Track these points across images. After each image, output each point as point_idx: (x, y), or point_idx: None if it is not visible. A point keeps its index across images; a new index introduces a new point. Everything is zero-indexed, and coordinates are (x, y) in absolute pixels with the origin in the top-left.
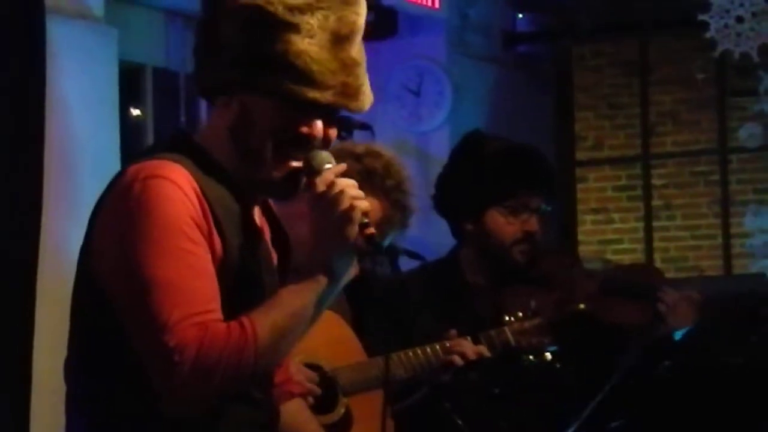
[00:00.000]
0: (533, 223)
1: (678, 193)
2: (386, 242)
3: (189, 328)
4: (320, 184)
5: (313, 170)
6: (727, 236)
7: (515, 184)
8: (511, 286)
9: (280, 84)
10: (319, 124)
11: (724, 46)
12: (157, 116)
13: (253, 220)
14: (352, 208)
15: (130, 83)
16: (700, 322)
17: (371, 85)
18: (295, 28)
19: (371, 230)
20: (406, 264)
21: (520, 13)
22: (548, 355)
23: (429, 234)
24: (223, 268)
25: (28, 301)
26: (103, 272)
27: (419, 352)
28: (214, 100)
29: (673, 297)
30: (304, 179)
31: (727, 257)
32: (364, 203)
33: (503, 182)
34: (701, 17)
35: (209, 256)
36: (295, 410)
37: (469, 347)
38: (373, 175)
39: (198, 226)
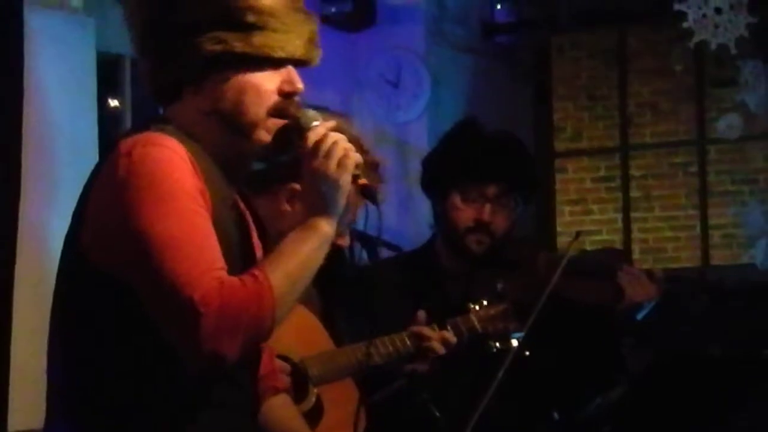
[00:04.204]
0: (486, 212)
1: (656, 184)
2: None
3: (209, 281)
4: (313, 137)
5: (302, 128)
6: (705, 227)
7: (472, 169)
8: (479, 272)
9: (255, 43)
10: (294, 74)
11: (701, 37)
12: (135, 107)
13: (236, 199)
14: (346, 156)
15: (107, 74)
16: (663, 299)
17: (349, 75)
18: None
19: (364, 180)
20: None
21: (499, 3)
22: (514, 342)
23: (407, 224)
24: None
25: (6, 290)
26: (103, 245)
27: (387, 340)
28: (174, 96)
29: (632, 271)
30: (296, 138)
31: (705, 248)
32: (356, 155)
33: (462, 165)
34: (678, 7)
35: (210, 219)
36: (281, 405)
37: (432, 334)
38: None
39: (198, 190)
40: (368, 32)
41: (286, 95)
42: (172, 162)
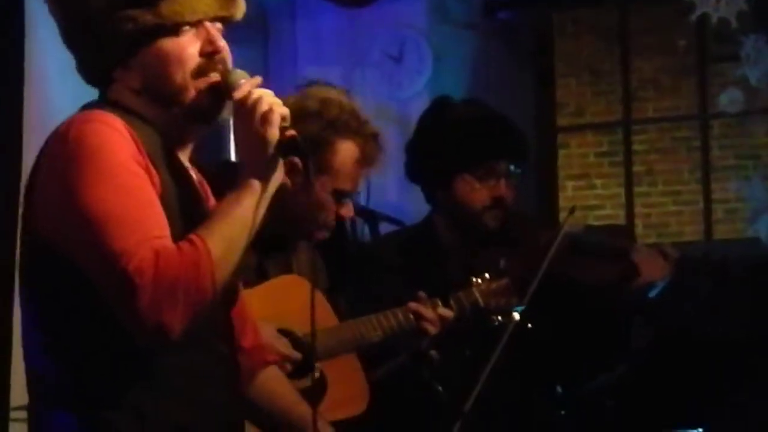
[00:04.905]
0: (502, 188)
1: (659, 159)
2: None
3: (144, 251)
4: (238, 95)
5: (230, 87)
6: (708, 202)
7: (480, 151)
8: (483, 248)
9: (163, 13)
10: (214, 32)
11: (702, 10)
12: None
13: (181, 161)
14: (270, 111)
15: None
16: (676, 279)
17: (350, 52)
18: None
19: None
20: (386, 230)
21: None
22: (516, 315)
23: (408, 200)
24: (161, 202)
25: (8, 276)
26: (51, 225)
27: (390, 314)
28: (108, 80)
29: (647, 250)
30: (225, 98)
31: (708, 223)
32: (283, 108)
33: (468, 149)
34: None
35: (152, 189)
36: (273, 379)
37: (427, 310)
38: (337, 124)
39: (137, 162)
40: (370, 8)
41: (208, 55)
42: (108, 136)
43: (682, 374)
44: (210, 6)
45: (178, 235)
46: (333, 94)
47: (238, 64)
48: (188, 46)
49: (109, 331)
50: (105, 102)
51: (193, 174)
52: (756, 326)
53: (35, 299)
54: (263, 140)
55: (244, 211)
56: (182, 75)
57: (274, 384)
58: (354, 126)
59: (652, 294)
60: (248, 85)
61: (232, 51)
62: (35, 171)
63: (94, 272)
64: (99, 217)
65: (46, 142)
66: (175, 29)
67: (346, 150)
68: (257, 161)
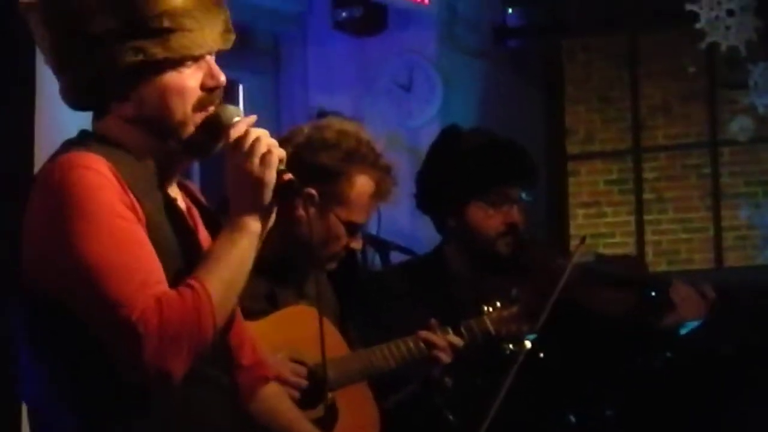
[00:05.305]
0: (514, 215)
1: (669, 186)
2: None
3: (146, 299)
4: (234, 134)
5: (223, 125)
6: (718, 229)
7: (492, 177)
8: (494, 276)
9: (173, 46)
10: (215, 67)
11: (712, 38)
12: None
13: (168, 193)
14: (269, 152)
15: None
16: (711, 317)
17: (360, 80)
18: None
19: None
20: (397, 259)
21: (510, 7)
22: (527, 343)
23: (419, 228)
24: (149, 238)
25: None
26: (44, 276)
27: (401, 343)
28: (97, 107)
29: (685, 289)
30: (218, 133)
31: (719, 250)
32: (280, 150)
33: (481, 175)
34: (690, 7)
35: (144, 231)
36: (273, 396)
37: (438, 338)
38: (354, 156)
39: (125, 205)
40: (380, 37)
41: (209, 90)
42: (94, 182)
43: (686, 387)
44: (215, 41)
45: (168, 269)
46: (350, 126)
47: (250, 92)
48: (190, 80)
49: (109, 368)
50: (91, 136)
51: (181, 203)
52: (763, 353)
53: (32, 340)
54: (260, 182)
55: (241, 253)
56: (183, 109)
57: (275, 401)
58: (371, 159)
59: (683, 331)
60: (244, 124)
61: (244, 79)
62: (23, 219)
63: (92, 322)
64: (94, 267)
65: (35, 183)
66: (180, 62)
67: (363, 183)
68: (253, 202)
